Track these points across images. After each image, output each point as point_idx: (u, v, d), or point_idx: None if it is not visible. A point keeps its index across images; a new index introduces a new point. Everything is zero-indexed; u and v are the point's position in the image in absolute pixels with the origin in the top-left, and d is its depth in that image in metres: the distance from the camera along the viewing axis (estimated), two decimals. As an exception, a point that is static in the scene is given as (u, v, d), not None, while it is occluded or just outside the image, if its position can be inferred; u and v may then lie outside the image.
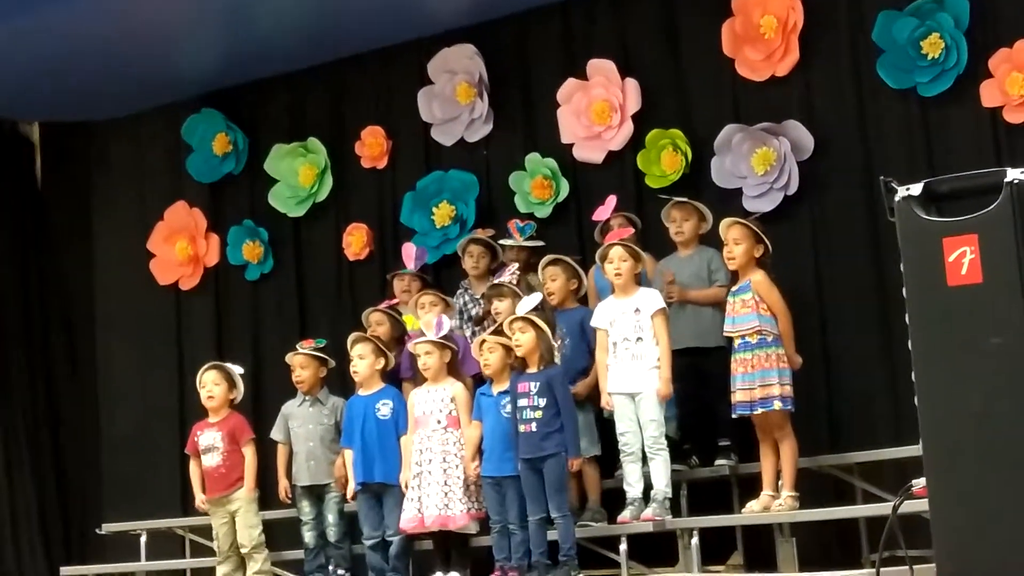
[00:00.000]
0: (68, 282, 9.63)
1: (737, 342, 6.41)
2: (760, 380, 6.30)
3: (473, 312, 7.49)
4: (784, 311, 6.43)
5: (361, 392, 7.04)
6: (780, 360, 6.33)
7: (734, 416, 6.42)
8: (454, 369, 6.80)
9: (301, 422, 7.25)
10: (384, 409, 6.89)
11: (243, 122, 9.06)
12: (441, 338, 6.73)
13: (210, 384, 7.34)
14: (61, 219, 9.66)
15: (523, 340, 6.35)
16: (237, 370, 7.44)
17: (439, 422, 6.67)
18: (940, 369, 3.95)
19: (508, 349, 6.47)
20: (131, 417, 9.34)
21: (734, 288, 6.49)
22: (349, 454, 6.96)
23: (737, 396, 6.37)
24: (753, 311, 6.36)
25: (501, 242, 7.57)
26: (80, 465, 9.47)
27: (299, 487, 7.23)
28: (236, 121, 9.05)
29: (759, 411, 6.31)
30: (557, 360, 6.49)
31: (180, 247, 9.12)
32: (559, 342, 6.59)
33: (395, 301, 7.60)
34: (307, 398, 7.27)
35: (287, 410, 7.34)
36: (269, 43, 8.40)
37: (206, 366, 7.49)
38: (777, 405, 6.28)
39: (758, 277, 6.41)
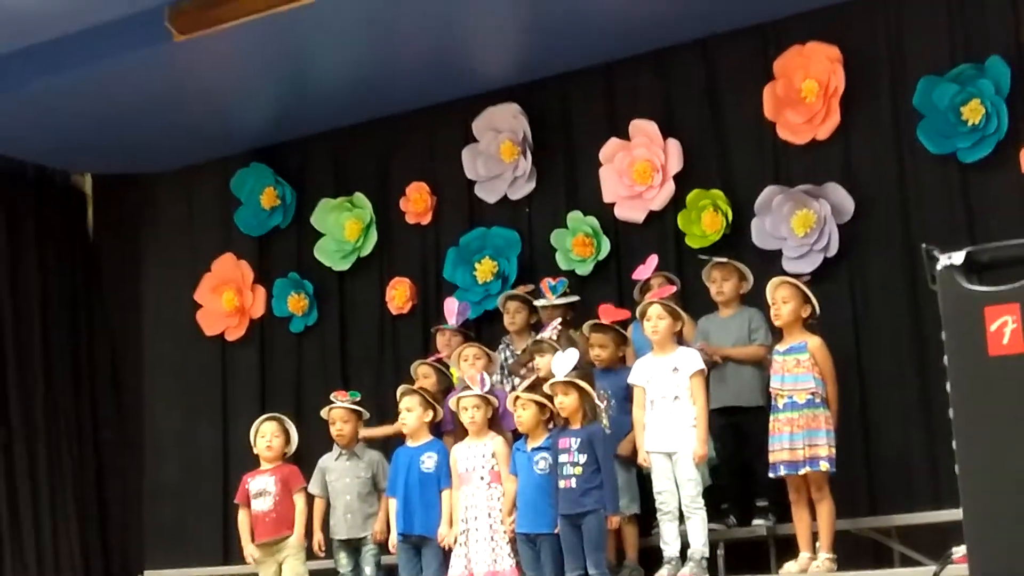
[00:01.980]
0: (116, 331, 9.73)
1: (783, 401, 6.39)
2: (808, 440, 6.29)
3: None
4: (834, 379, 6.46)
5: (409, 443, 7.08)
6: (827, 422, 6.34)
7: (775, 475, 6.40)
8: (495, 423, 6.85)
9: (338, 475, 7.29)
10: (428, 462, 6.91)
11: (291, 177, 9.20)
12: (486, 392, 6.80)
13: (270, 435, 7.38)
14: (111, 269, 9.78)
15: (566, 403, 6.40)
16: (290, 424, 7.51)
17: (482, 478, 6.70)
18: (981, 439, 3.97)
19: (541, 406, 6.52)
20: (175, 465, 9.42)
21: (783, 347, 6.47)
22: (393, 503, 6.99)
23: (783, 455, 6.34)
24: (810, 372, 6.37)
25: (536, 303, 7.62)
26: (123, 512, 9.54)
27: (336, 540, 7.27)
28: (284, 176, 9.20)
29: (805, 471, 6.30)
30: (605, 422, 6.53)
31: (227, 298, 9.24)
32: (604, 403, 6.64)
33: (442, 355, 7.67)
34: (344, 452, 7.32)
35: (324, 464, 7.37)
36: (318, 100, 8.55)
37: (265, 417, 7.54)
38: (824, 466, 6.28)
39: (816, 343, 6.42)
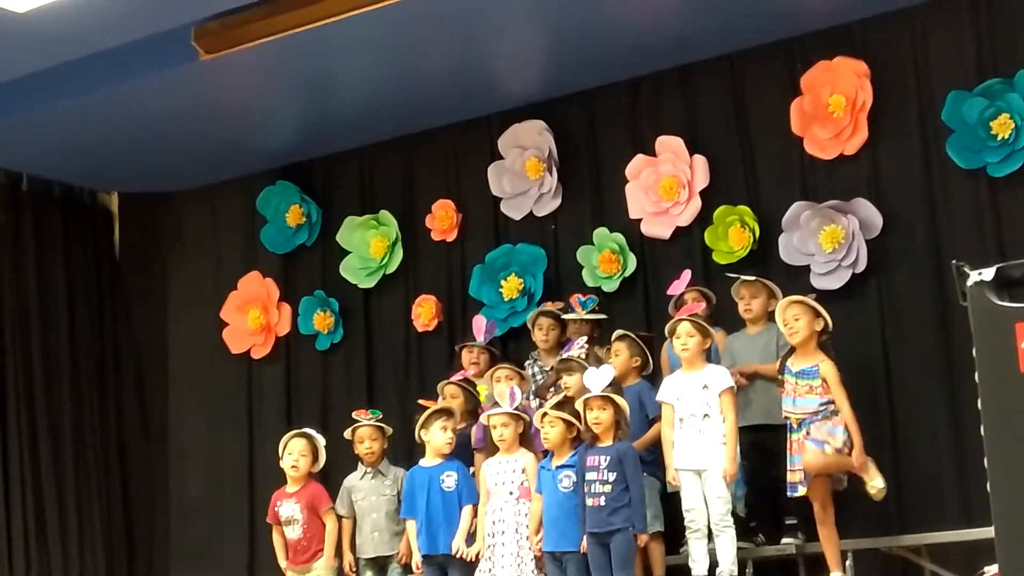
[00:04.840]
0: (143, 349, 9.78)
1: (798, 421, 6.40)
2: (841, 436, 6.30)
3: (542, 383, 7.53)
4: (846, 401, 6.38)
5: (424, 463, 7.06)
6: (841, 423, 6.33)
7: (793, 495, 6.39)
8: (526, 440, 6.82)
9: (364, 494, 7.28)
10: (448, 481, 6.89)
11: (316, 195, 9.22)
12: (516, 409, 6.77)
13: (297, 453, 7.31)
14: (137, 287, 9.83)
15: (603, 418, 6.36)
16: (321, 440, 7.42)
17: (511, 493, 6.67)
18: (1013, 455, 3.94)
19: (568, 424, 6.50)
20: (201, 482, 9.46)
21: (795, 367, 6.44)
22: (412, 525, 6.98)
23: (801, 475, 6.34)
24: (820, 397, 6.35)
25: (564, 316, 7.62)
26: (150, 528, 9.58)
27: (363, 559, 7.25)
28: (310, 194, 9.22)
29: (824, 448, 6.28)
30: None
31: (253, 316, 9.27)
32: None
33: (466, 373, 7.66)
34: (369, 470, 7.31)
35: (349, 483, 7.35)
36: (343, 118, 8.58)
37: (293, 433, 7.44)
38: (827, 449, 6.26)
39: (828, 367, 6.39)
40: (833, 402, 6.34)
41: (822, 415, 6.35)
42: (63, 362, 9.34)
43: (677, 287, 7.20)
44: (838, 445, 6.29)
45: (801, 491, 6.33)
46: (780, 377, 6.50)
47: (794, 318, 6.45)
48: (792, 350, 6.52)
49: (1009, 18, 7.03)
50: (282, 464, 7.41)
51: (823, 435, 6.30)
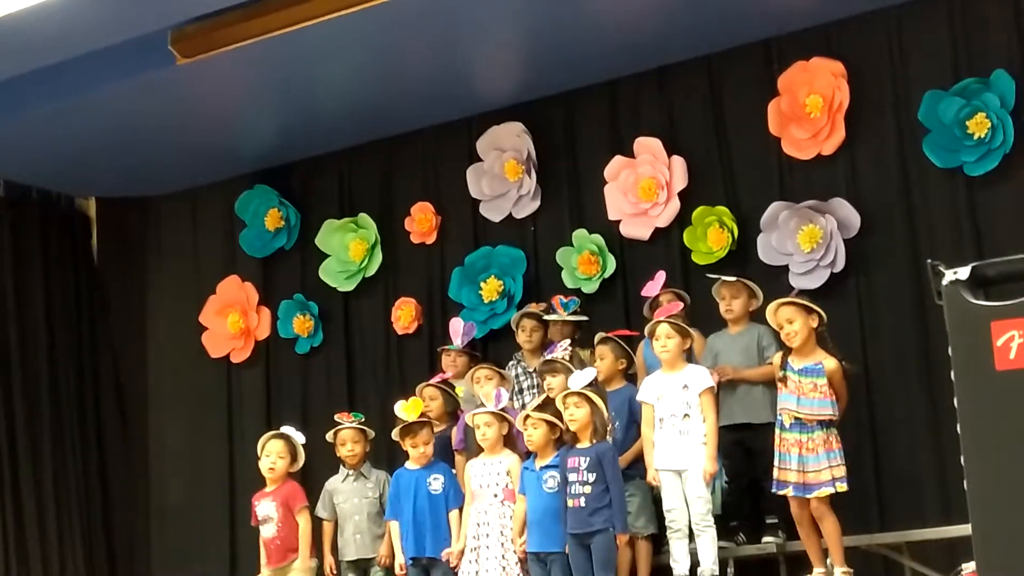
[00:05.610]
0: (121, 354, 9.75)
1: (790, 421, 6.31)
2: (827, 461, 6.24)
3: (525, 384, 7.55)
4: (846, 398, 6.41)
5: (409, 466, 7.07)
6: (837, 441, 6.30)
7: (781, 492, 6.35)
8: (510, 441, 6.82)
9: (346, 497, 7.29)
10: (435, 484, 6.91)
11: (295, 198, 9.22)
12: (500, 410, 6.77)
13: (274, 455, 7.27)
14: (116, 292, 9.81)
15: (577, 415, 6.39)
16: (300, 439, 7.37)
17: (496, 496, 6.68)
18: (989, 453, 3.96)
19: (552, 425, 6.51)
20: (181, 487, 9.43)
21: (798, 365, 6.36)
22: (395, 526, 6.99)
23: (791, 476, 6.28)
24: (827, 398, 6.29)
25: (546, 318, 7.63)
26: (130, 534, 9.54)
27: (345, 561, 7.26)
28: (288, 197, 9.21)
29: (822, 492, 6.22)
30: (609, 440, 6.51)
31: (232, 320, 9.26)
32: (611, 425, 6.61)
33: (445, 375, 7.66)
34: (351, 473, 7.31)
35: (331, 486, 7.35)
36: (321, 121, 8.58)
37: (271, 434, 7.39)
38: (841, 487, 6.22)
39: (833, 365, 6.32)
40: (834, 417, 6.29)
41: (825, 427, 6.25)
42: (42, 367, 9.30)
43: (652, 288, 7.21)
44: (843, 484, 6.26)
45: (795, 493, 6.28)
46: (782, 374, 6.39)
47: (788, 321, 6.39)
48: (790, 348, 6.47)
49: (984, 18, 7.07)
50: (260, 465, 7.39)
51: (831, 470, 6.22)
